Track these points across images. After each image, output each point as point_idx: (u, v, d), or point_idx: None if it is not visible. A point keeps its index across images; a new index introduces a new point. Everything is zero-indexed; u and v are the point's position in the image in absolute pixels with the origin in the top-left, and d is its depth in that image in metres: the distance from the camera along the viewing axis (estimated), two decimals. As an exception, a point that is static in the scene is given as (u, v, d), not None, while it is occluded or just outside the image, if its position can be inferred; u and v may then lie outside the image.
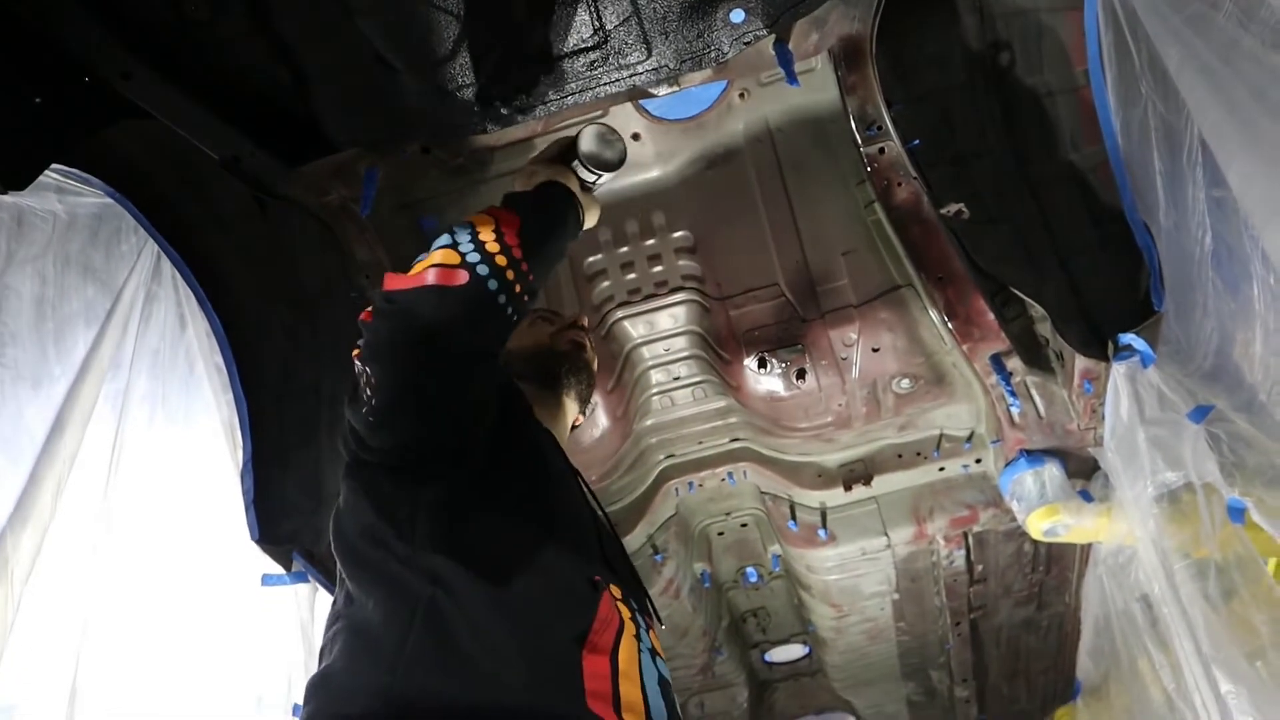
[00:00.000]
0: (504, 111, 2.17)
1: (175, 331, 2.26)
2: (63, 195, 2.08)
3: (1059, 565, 3.34)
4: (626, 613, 1.57)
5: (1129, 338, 2.25)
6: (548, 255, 1.74)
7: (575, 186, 1.87)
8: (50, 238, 2.01)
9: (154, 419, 2.17)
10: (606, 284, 2.77)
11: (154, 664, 2.02)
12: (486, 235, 1.60)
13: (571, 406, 2.09)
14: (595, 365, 2.19)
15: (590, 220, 1.92)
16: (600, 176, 1.90)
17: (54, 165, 1.92)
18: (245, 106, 2.05)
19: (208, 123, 2.04)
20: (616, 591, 1.60)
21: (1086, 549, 3.07)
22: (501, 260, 1.58)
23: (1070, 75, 2.41)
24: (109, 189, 2.11)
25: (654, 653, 1.58)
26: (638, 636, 1.55)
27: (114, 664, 1.91)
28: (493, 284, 1.56)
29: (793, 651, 4.11)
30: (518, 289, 1.60)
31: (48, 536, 1.84)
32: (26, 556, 1.77)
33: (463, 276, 1.54)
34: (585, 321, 2.22)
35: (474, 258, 1.56)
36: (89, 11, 1.81)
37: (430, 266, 1.53)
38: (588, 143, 1.85)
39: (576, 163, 1.87)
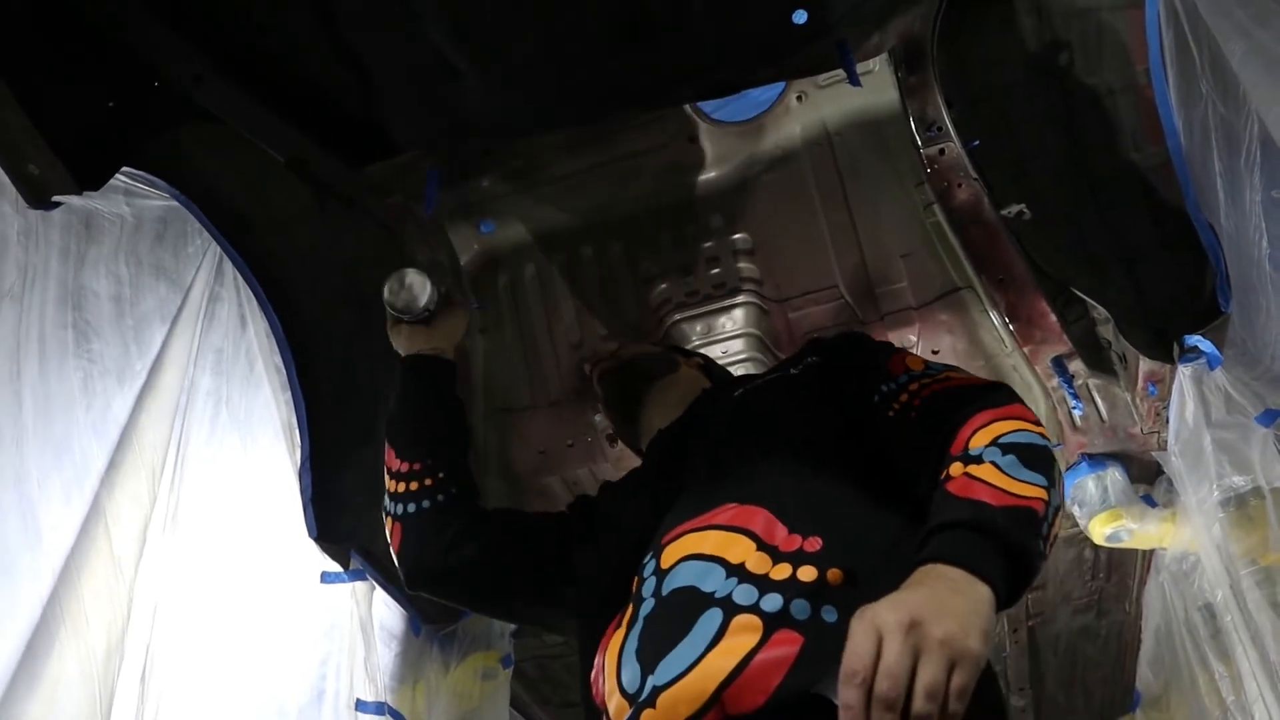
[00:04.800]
0: (562, 116, 2.19)
1: (237, 330, 2.28)
2: (130, 198, 2.11)
3: (1119, 572, 3.28)
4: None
5: (1195, 339, 2.21)
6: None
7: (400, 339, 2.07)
8: (119, 239, 2.04)
9: (218, 415, 2.20)
10: (664, 286, 2.77)
11: (219, 656, 2.05)
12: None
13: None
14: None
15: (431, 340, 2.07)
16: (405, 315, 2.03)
17: (124, 169, 1.96)
18: (309, 108, 2.08)
19: (274, 125, 2.07)
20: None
21: (1148, 556, 3.02)
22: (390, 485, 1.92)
23: (1131, 74, 2.37)
24: (174, 191, 2.14)
25: (658, 572, 1.46)
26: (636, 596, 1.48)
27: (180, 651, 1.94)
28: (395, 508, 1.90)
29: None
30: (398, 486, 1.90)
31: (152, 525, 1.92)
32: (133, 542, 1.85)
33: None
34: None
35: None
36: (160, 16, 1.84)
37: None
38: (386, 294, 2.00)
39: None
